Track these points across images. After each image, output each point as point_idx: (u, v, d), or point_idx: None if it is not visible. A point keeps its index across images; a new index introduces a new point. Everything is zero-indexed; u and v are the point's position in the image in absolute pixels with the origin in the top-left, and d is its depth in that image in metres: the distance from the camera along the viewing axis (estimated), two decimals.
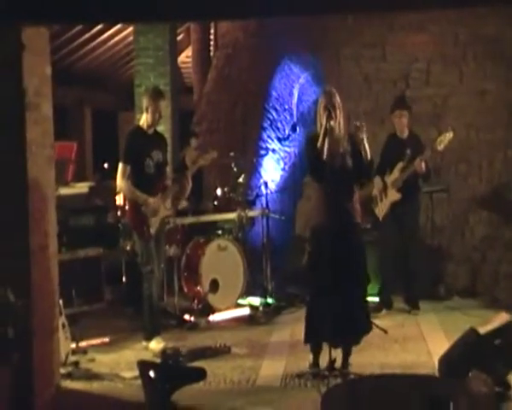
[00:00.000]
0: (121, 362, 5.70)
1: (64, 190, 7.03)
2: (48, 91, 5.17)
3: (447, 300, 7.37)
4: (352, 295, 5.11)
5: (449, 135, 6.70)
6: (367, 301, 5.48)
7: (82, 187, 7.74)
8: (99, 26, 11.77)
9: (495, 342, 4.55)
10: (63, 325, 5.45)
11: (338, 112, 5.14)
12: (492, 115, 7.85)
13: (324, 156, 5.01)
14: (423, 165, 6.78)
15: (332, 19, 7.69)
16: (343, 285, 5.03)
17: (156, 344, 5.93)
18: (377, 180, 7.04)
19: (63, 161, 7.22)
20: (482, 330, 4.57)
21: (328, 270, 4.97)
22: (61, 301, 5.38)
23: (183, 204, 7.12)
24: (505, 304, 6.73)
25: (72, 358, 5.57)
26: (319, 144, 5.05)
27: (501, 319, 4.78)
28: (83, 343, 5.92)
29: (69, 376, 5.31)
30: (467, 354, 4.56)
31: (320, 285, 5.14)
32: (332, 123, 5.07)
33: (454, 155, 7.64)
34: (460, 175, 7.92)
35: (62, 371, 5.26)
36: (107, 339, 6.25)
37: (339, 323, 5.02)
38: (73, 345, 5.75)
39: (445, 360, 4.76)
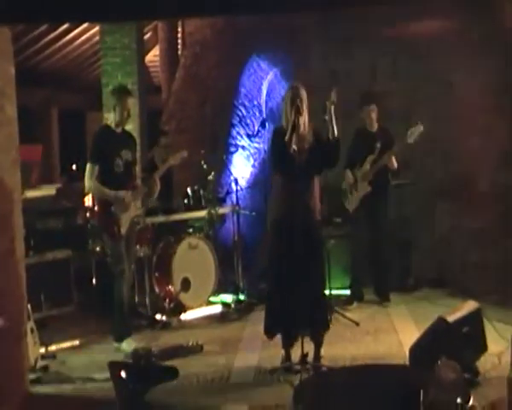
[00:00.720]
0: (92, 365, 5.64)
1: (30, 193, 6.95)
2: (12, 92, 5.10)
3: (417, 290, 7.46)
4: (309, 289, 5.09)
5: (419, 127, 6.73)
6: (325, 298, 5.51)
7: (49, 189, 7.65)
8: (65, 26, 11.66)
9: (463, 329, 4.60)
10: (32, 330, 5.36)
11: (304, 106, 5.17)
12: (459, 106, 7.90)
13: (291, 148, 5.02)
14: (394, 160, 6.84)
15: (300, 15, 7.69)
16: (301, 279, 5.03)
17: (127, 345, 5.89)
18: (347, 174, 7.07)
19: (29, 164, 7.14)
20: (450, 318, 4.61)
21: (287, 263, 5.06)
22: (29, 306, 5.31)
23: (153, 203, 7.08)
24: (472, 292, 6.82)
25: (42, 363, 5.48)
26: (287, 138, 5.05)
27: (468, 307, 4.84)
28: (52, 347, 5.86)
29: (38, 381, 5.24)
30: (436, 342, 4.60)
31: (278, 278, 5.19)
32: (300, 118, 5.09)
33: (421, 148, 7.68)
34: (427, 167, 7.98)
35: (32, 376, 5.20)
36: (77, 342, 6.19)
37: (295, 316, 5.05)
38: (42, 350, 5.67)
39: (416, 350, 4.80)
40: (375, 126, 7.12)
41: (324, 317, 5.35)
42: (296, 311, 5.01)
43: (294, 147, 5.01)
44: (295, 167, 4.99)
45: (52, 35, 12.26)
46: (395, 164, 6.87)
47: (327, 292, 5.72)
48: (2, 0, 4.58)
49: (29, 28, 10.88)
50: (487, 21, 7.65)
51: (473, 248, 7.60)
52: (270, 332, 5.34)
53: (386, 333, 6.16)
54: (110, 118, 6.14)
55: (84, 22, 10.43)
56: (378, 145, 6.91)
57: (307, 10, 5.74)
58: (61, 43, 12.84)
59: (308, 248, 5.05)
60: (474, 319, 4.77)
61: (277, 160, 5.27)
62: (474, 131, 7.82)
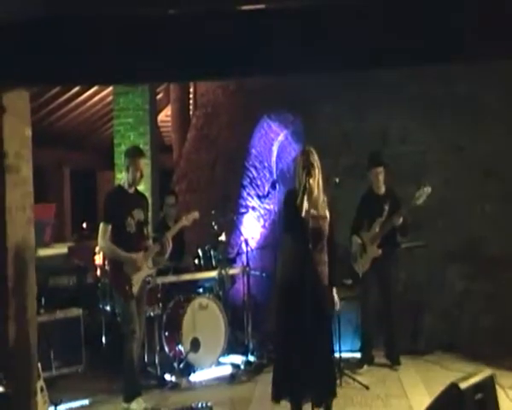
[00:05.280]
0: None
1: (43, 252, 7.00)
2: (28, 153, 5.20)
3: (427, 354, 7.38)
4: (316, 357, 5.00)
5: (427, 190, 6.75)
6: (333, 366, 5.42)
7: (61, 248, 7.71)
8: (77, 87, 11.87)
9: (476, 397, 4.54)
10: (41, 389, 5.33)
11: (316, 171, 5.16)
12: (468, 171, 7.96)
13: (302, 214, 5.00)
14: (401, 219, 6.85)
15: (310, 78, 7.81)
16: (308, 346, 4.92)
17: (137, 405, 5.86)
18: (355, 238, 7.08)
19: (43, 223, 7.22)
20: (463, 385, 4.56)
21: (295, 329, 4.97)
22: (39, 364, 5.30)
23: (165, 263, 7.11)
24: (485, 357, 6.78)
25: None
26: (298, 201, 5.01)
27: (481, 373, 4.79)
28: (61, 407, 5.81)
29: None
30: (448, 409, 4.55)
31: (285, 344, 5.15)
32: (311, 181, 5.11)
33: (432, 211, 7.70)
34: (438, 231, 7.97)
35: None
36: (86, 402, 6.15)
37: (302, 384, 4.98)
38: (51, 409, 5.63)
39: None
40: (383, 189, 7.14)
41: (331, 385, 5.23)
42: (303, 379, 4.95)
43: (306, 210, 5.01)
44: (306, 231, 5.00)
45: (65, 96, 12.49)
46: (400, 220, 6.86)
47: (336, 356, 5.63)
48: (19, 64, 4.71)
49: (43, 90, 11.08)
50: (498, 87, 7.77)
51: (485, 312, 7.56)
52: (276, 399, 5.25)
53: (396, 398, 6.10)
54: (122, 178, 6.22)
55: (96, 85, 10.62)
56: (386, 208, 6.94)
57: (320, 72, 5.81)
58: (73, 104, 13.07)
59: (317, 314, 5.00)
60: (487, 386, 4.70)
61: (288, 222, 5.26)
62: (486, 194, 7.86)
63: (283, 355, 5.20)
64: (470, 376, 4.66)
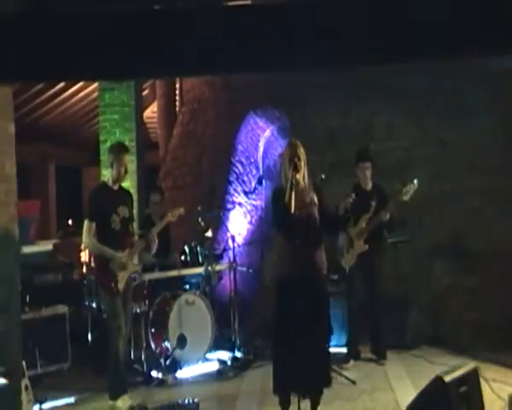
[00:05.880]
0: None
1: (28, 249, 6.97)
2: (11, 150, 5.17)
3: (413, 348, 7.39)
4: (315, 346, 5.08)
5: (414, 186, 6.77)
6: (329, 354, 5.47)
7: (46, 245, 7.67)
8: (63, 83, 11.81)
9: (460, 389, 4.57)
10: (26, 387, 5.29)
11: (302, 163, 5.19)
12: (453, 165, 7.99)
13: (292, 209, 4.99)
14: (388, 215, 6.86)
15: (296, 74, 7.80)
16: (306, 337, 4.98)
17: (123, 402, 5.84)
18: (341, 233, 7.09)
19: (27, 220, 7.18)
20: (447, 378, 4.58)
21: (293, 322, 4.99)
22: (23, 362, 5.27)
23: (150, 259, 7.10)
24: (469, 351, 6.83)
25: None
26: (286, 198, 4.99)
27: (465, 366, 4.82)
28: (47, 405, 5.78)
29: None
30: (433, 402, 4.57)
31: (284, 336, 5.13)
32: (297, 176, 5.11)
33: (418, 206, 7.73)
34: (424, 225, 8.01)
35: None
36: (72, 399, 6.13)
37: (302, 374, 4.99)
38: (37, 407, 5.60)
39: (412, 409, 4.76)
40: (370, 185, 7.14)
41: (326, 373, 5.29)
42: (301, 368, 4.97)
43: (294, 204, 4.99)
44: (297, 225, 4.99)
45: (50, 92, 12.43)
46: (388, 216, 6.88)
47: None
48: (2, 60, 4.67)
49: (27, 85, 11.02)
50: (483, 83, 7.79)
51: (469, 306, 7.60)
52: (280, 393, 5.24)
53: (382, 392, 6.12)
54: (107, 174, 6.19)
55: (82, 80, 10.57)
56: (373, 204, 6.95)
57: (309, 69, 5.81)
58: (59, 99, 13.01)
59: (313, 305, 5.03)
60: (472, 379, 4.74)
61: (278, 220, 5.24)
62: (470, 189, 7.88)
63: (281, 348, 5.17)
64: (455, 369, 4.70)
